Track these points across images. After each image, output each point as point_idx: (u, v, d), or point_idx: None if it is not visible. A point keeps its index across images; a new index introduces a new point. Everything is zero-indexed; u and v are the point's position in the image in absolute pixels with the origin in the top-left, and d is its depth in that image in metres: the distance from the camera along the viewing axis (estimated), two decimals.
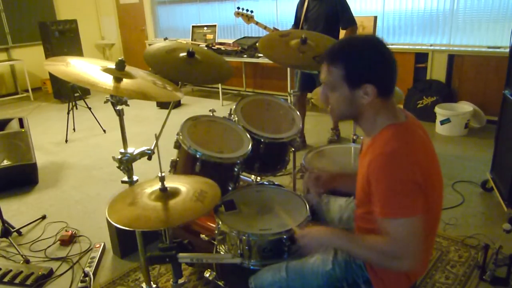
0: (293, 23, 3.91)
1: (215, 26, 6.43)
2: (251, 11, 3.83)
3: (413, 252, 1.16)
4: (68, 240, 2.62)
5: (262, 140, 2.19)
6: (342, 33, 3.79)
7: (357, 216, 1.40)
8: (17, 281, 2.24)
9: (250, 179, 2.57)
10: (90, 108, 4.80)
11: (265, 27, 3.85)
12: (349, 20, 3.65)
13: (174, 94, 1.78)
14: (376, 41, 1.26)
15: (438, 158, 1.31)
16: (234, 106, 2.33)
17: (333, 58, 1.25)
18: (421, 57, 4.78)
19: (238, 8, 3.84)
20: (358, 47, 1.25)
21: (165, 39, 7.23)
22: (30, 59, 6.94)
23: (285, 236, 1.58)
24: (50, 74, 6.57)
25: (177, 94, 1.79)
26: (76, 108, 5.06)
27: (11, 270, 2.31)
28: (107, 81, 1.58)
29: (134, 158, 1.74)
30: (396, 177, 1.15)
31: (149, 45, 6.77)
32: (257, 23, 3.84)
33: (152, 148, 1.80)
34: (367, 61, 1.23)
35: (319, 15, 3.64)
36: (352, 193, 1.62)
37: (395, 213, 1.16)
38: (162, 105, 5.86)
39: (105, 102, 1.70)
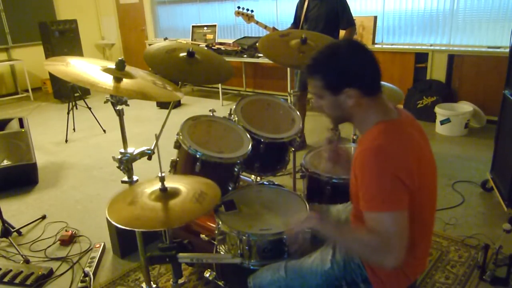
0: (292, 22, 3.92)
1: (215, 26, 6.43)
2: (251, 11, 3.83)
3: (394, 248, 1.15)
4: (68, 240, 2.62)
5: (262, 140, 2.19)
6: (342, 33, 3.79)
7: (352, 214, 1.41)
8: (17, 281, 2.24)
9: (250, 179, 2.57)
10: (90, 108, 4.80)
11: (265, 27, 3.86)
12: (348, 21, 3.66)
13: (174, 94, 1.78)
14: (350, 44, 1.30)
15: (435, 157, 1.31)
16: (234, 106, 2.33)
17: (312, 71, 1.31)
18: (421, 57, 4.78)
19: (239, 7, 3.84)
20: (330, 55, 1.29)
21: (165, 39, 7.24)
22: (30, 59, 6.94)
23: (285, 236, 1.58)
24: (50, 74, 6.56)
25: (177, 94, 1.79)
26: (76, 108, 5.06)
27: (11, 270, 2.31)
28: (107, 81, 1.58)
29: (134, 158, 1.74)
30: (379, 172, 1.16)
31: (149, 45, 6.77)
32: (257, 22, 3.84)
33: (152, 148, 1.80)
34: (341, 67, 1.26)
35: (319, 15, 3.64)
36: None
37: (375, 207, 1.16)
38: (162, 105, 5.86)
39: (105, 102, 1.70)
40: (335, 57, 1.27)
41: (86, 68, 1.65)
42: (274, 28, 3.85)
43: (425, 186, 1.24)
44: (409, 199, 1.17)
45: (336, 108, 1.31)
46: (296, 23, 3.87)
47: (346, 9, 3.64)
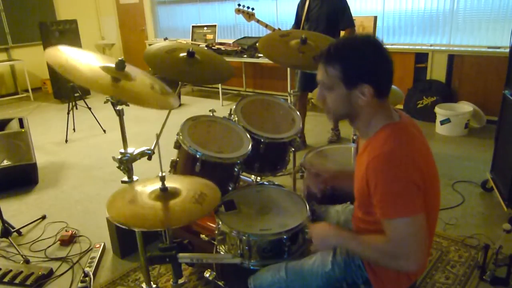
0: (293, 22, 3.91)
1: (215, 26, 6.43)
2: (252, 8, 3.80)
3: (413, 252, 1.16)
4: (68, 240, 2.62)
5: (262, 140, 2.19)
6: (342, 34, 3.78)
7: (356, 218, 1.40)
8: (17, 281, 2.24)
9: (250, 179, 2.57)
10: (90, 108, 4.80)
11: (266, 25, 3.84)
12: (348, 21, 3.65)
13: (170, 102, 1.75)
14: (373, 41, 1.26)
15: (435, 157, 1.31)
16: (234, 106, 2.33)
17: (329, 59, 1.24)
18: (421, 57, 4.78)
19: (239, 5, 3.81)
20: (354, 47, 1.25)
21: (165, 39, 7.24)
22: (30, 59, 6.94)
23: (285, 236, 1.58)
24: (50, 74, 6.57)
25: (173, 103, 1.76)
26: (76, 108, 5.06)
27: (11, 270, 2.31)
28: (106, 81, 1.57)
29: (134, 158, 1.74)
30: (395, 177, 1.16)
31: (149, 45, 6.76)
32: (258, 21, 3.82)
33: (152, 148, 1.80)
34: (363, 61, 1.22)
35: (320, 15, 3.64)
36: (350, 194, 1.64)
37: (394, 213, 1.16)
38: None
39: (105, 102, 1.70)
40: (360, 50, 1.23)
41: (86, 66, 1.64)
42: (274, 29, 3.84)
43: (432, 187, 1.24)
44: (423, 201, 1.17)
45: (344, 104, 1.26)
46: (297, 24, 3.86)
47: (346, 9, 3.64)
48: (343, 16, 3.63)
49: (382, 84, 1.25)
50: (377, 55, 1.23)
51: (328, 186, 1.71)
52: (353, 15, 3.69)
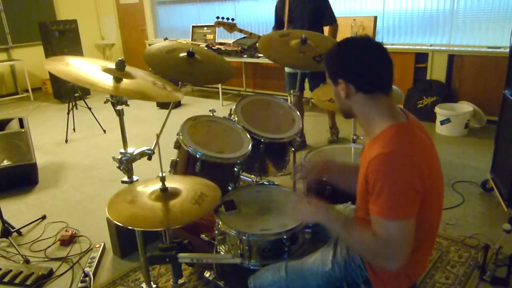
0: (274, 24, 3.86)
1: (215, 26, 6.42)
2: (232, 19, 3.65)
3: (398, 255, 1.17)
4: (68, 240, 2.62)
5: (262, 140, 2.19)
6: (325, 30, 3.77)
7: (357, 218, 1.40)
8: (17, 281, 2.24)
9: (250, 179, 2.57)
10: (90, 108, 4.80)
11: (250, 34, 3.78)
12: (330, 18, 3.66)
13: (174, 94, 1.78)
14: (360, 40, 1.30)
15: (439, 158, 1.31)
16: (234, 106, 2.33)
17: (323, 60, 1.38)
18: (421, 57, 4.78)
19: (218, 17, 3.68)
20: (335, 47, 1.33)
21: (165, 39, 7.23)
22: (30, 59, 6.94)
23: (285, 236, 1.58)
24: (50, 74, 6.56)
25: (177, 95, 1.79)
26: (76, 108, 5.06)
27: (11, 270, 2.31)
28: (107, 81, 1.58)
29: (134, 158, 1.75)
30: (393, 179, 1.16)
31: (149, 45, 6.76)
32: (241, 30, 3.71)
33: (152, 148, 1.80)
34: (338, 57, 1.30)
35: (303, 14, 3.63)
36: (342, 188, 1.64)
37: (388, 214, 1.16)
38: (162, 105, 5.86)
39: (105, 102, 1.70)
40: (337, 48, 1.31)
41: (86, 68, 1.65)
42: (259, 37, 3.78)
43: (434, 189, 1.24)
44: (419, 205, 1.17)
45: (337, 99, 1.35)
46: (278, 25, 3.81)
47: (327, 5, 3.65)
48: (325, 13, 3.63)
49: (362, 79, 1.27)
50: (356, 51, 1.27)
51: (318, 175, 1.72)
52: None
